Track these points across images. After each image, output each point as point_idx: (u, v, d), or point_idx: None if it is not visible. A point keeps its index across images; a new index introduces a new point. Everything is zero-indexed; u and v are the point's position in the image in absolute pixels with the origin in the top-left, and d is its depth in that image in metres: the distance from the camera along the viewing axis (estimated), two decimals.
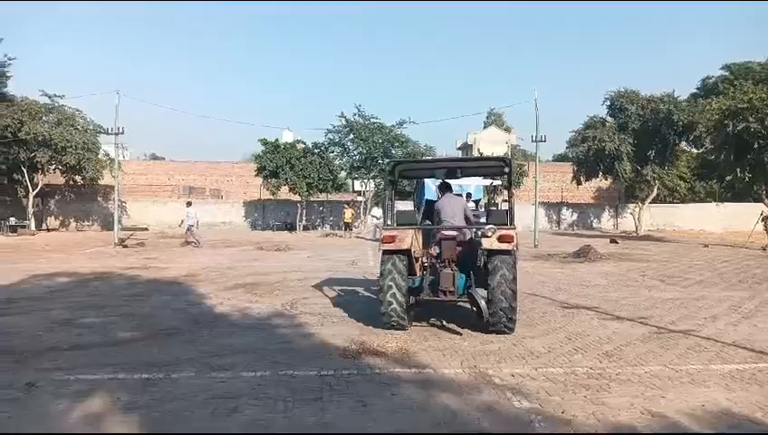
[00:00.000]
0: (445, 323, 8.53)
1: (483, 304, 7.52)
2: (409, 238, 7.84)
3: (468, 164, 11.10)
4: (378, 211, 29.64)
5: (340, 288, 12.00)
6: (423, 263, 8.74)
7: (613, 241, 27.51)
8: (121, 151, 34.73)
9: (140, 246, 24.10)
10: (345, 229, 33.82)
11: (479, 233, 8.09)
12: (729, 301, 10.75)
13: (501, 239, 7.57)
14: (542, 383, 5.73)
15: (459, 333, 7.80)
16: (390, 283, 7.71)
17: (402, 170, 9.87)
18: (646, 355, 6.88)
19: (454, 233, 8.43)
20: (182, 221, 25.26)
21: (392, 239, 7.78)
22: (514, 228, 7.86)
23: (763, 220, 24.72)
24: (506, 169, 8.88)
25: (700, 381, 5.82)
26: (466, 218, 8.85)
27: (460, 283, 8.05)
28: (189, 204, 26.14)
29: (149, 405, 5.07)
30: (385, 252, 7.87)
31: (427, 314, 8.88)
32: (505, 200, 10.29)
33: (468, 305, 8.52)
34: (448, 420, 4.78)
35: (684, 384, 5.74)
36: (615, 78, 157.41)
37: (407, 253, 7.88)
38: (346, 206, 36.08)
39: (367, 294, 11.32)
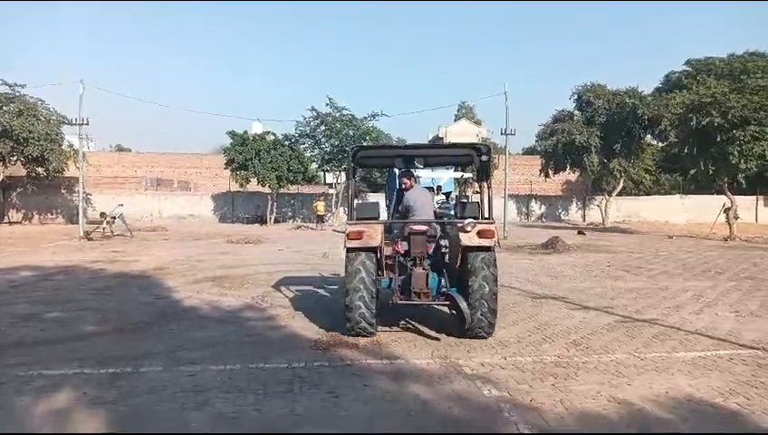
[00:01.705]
0: (414, 325, 7.84)
1: (464, 306, 6.77)
2: (379, 234, 7.01)
3: (438, 151, 10.20)
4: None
5: (310, 281, 11.96)
6: (387, 261, 7.66)
7: (580, 233, 27.99)
8: (86, 142, 33.84)
9: (107, 239, 23.72)
10: (318, 222, 33.69)
11: (456, 227, 7.25)
12: (692, 290, 11.03)
13: (481, 235, 6.88)
14: (512, 372, 5.81)
15: (438, 339, 7.14)
16: (358, 285, 6.83)
17: (365, 157, 8.88)
18: (612, 344, 7.02)
19: (424, 227, 7.56)
20: (113, 217, 25.60)
21: (359, 235, 6.88)
22: (493, 222, 7.25)
23: (725, 212, 25.43)
24: (483, 158, 7.91)
25: (664, 369, 5.97)
26: (434, 213, 8.30)
27: (433, 283, 7.26)
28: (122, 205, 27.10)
29: (116, 400, 4.99)
30: (350, 250, 6.96)
31: (397, 316, 8.09)
32: (477, 192, 9.17)
33: (445, 308, 7.86)
34: (419, 409, 4.82)
35: (648, 371, 5.88)
36: (582, 72, 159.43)
37: (376, 250, 7.05)
38: (318, 199, 35.95)
39: (338, 286, 11.28)
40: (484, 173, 8.14)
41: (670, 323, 8.20)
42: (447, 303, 7.22)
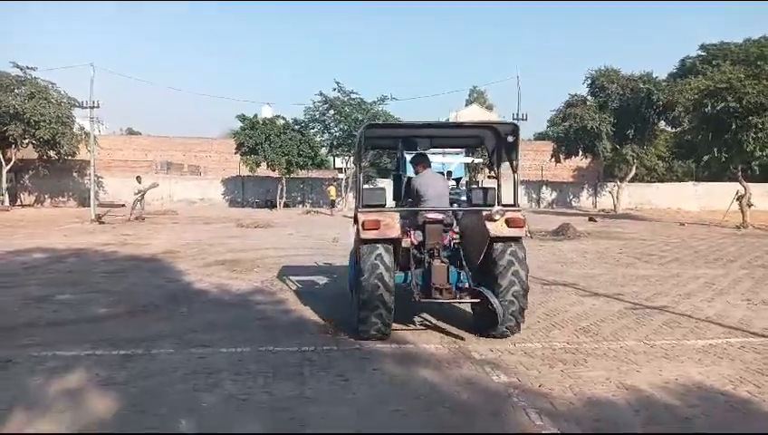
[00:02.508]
0: (433, 322, 7.23)
1: (498, 303, 6.00)
2: (397, 223, 6.22)
3: (458, 132, 9.04)
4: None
5: (321, 265, 11.99)
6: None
7: (592, 219, 27.84)
8: (97, 126, 34.01)
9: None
10: (331, 207, 33.76)
11: (482, 215, 6.45)
12: (704, 278, 10.95)
13: (510, 223, 6.26)
14: (521, 358, 5.80)
15: (462, 338, 6.50)
16: (376, 284, 5.97)
17: (376, 137, 7.92)
18: (621, 331, 7.00)
19: (440, 216, 6.85)
20: (141, 194, 25.57)
21: (376, 225, 6.06)
22: (521, 210, 6.62)
23: (738, 199, 25.18)
24: (510, 138, 6.93)
25: (674, 356, 5.94)
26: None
27: (453, 278, 6.57)
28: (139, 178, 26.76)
29: (128, 381, 5.04)
30: (365, 241, 6.12)
31: (410, 312, 7.37)
32: (492, 177, 8.22)
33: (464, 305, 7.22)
34: (427, 392, 4.83)
35: (658, 359, 5.85)
36: (595, 58, 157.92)
37: (395, 243, 6.27)
38: (331, 183, 35.97)
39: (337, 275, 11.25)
40: (509, 155, 7.13)
41: (681, 310, 8.16)
42: (477, 300, 6.34)
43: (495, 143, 7.36)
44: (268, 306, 8.21)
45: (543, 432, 4.11)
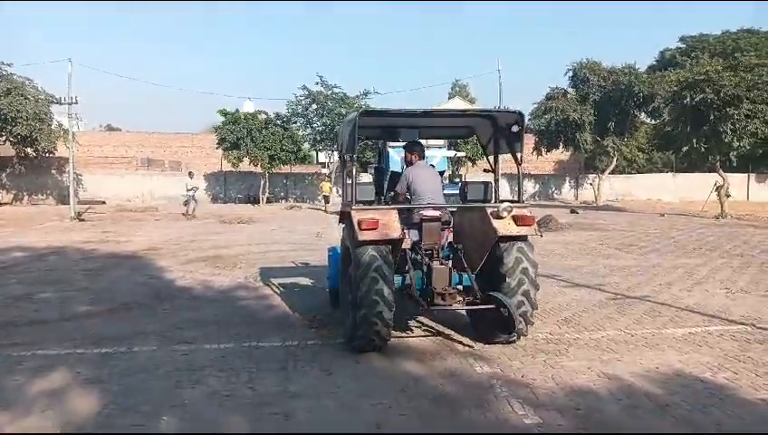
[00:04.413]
0: (437, 328, 6.65)
1: (514, 309, 5.52)
2: (396, 223, 5.64)
3: (448, 122, 8.01)
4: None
5: (303, 261, 11.97)
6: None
7: (573, 211, 28.06)
8: (75, 122, 33.49)
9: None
10: (325, 202, 33.54)
11: (486, 212, 5.97)
12: (683, 268, 11.11)
13: (518, 221, 5.82)
14: (503, 349, 5.84)
15: (471, 346, 6.01)
16: (374, 290, 5.42)
17: (368, 126, 7.03)
18: (603, 321, 7.09)
19: (437, 213, 6.29)
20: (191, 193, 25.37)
21: (374, 224, 5.48)
22: (527, 206, 6.25)
23: (716, 190, 25.53)
24: (515, 129, 6.27)
25: (654, 345, 6.03)
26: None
27: (454, 281, 6.05)
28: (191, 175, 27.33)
29: (110, 379, 5.01)
30: (363, 243, 5.51)
31: (403, 315, 6.73)
32: (488, 170, 7.21)
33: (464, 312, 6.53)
34: (412, 385, 4.86)
35: (639, 348, 5.94)
36: (575, 52, 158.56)
37: (395, 245, 5.72)
38: (325, 178, 35.79)
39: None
40: (511, 147, 6.58)
41: (661, 299, 8.27)
42: (491, 306, 5.70)
43: (493, 133, 6.79)
44: (251, 302, 8.19)
45: (533, 432, 4.06)
